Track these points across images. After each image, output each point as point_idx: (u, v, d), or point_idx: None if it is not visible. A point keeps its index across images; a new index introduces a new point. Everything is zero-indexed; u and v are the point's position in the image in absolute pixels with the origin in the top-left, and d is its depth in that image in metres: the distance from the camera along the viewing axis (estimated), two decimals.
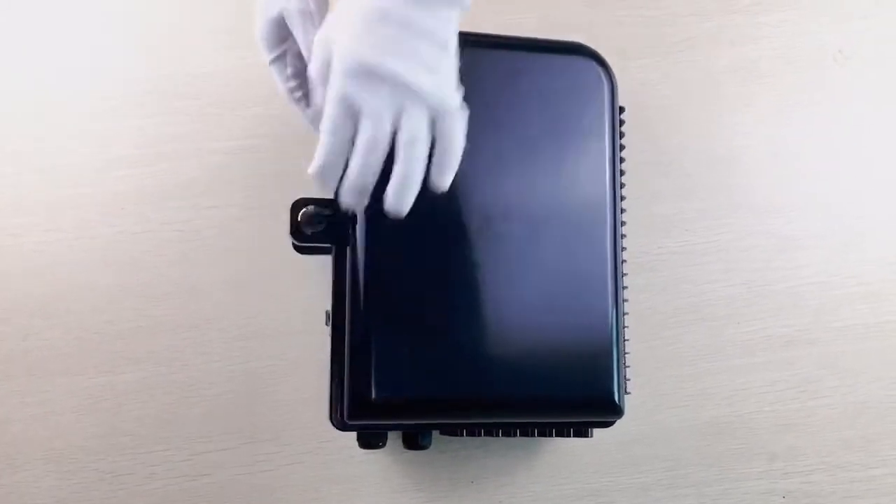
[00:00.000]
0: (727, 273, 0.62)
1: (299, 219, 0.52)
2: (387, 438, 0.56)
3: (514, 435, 0.55)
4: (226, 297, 0.61)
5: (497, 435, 0.55)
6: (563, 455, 0.60)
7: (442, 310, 0.51)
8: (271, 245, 0.61)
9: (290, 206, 0.52)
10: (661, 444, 0.60)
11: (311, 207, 0.52)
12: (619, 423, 0.54)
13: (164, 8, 0.64)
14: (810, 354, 0.62)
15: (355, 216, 0.51)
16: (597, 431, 0.56)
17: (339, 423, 0.52)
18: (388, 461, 0.60)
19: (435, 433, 0.57)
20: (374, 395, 0.50)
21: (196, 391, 0.60)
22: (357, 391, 0.50)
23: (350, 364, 0.50)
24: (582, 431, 0.55)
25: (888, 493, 0.61)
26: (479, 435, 0.55)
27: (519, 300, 0.52)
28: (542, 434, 0.55)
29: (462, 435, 0.55)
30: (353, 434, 0.55)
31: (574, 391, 0.52)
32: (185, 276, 0.61)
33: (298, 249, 0.56)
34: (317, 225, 0.52)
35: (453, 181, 0.44)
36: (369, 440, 0.55)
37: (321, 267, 0.60)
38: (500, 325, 0.51)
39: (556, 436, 0.55)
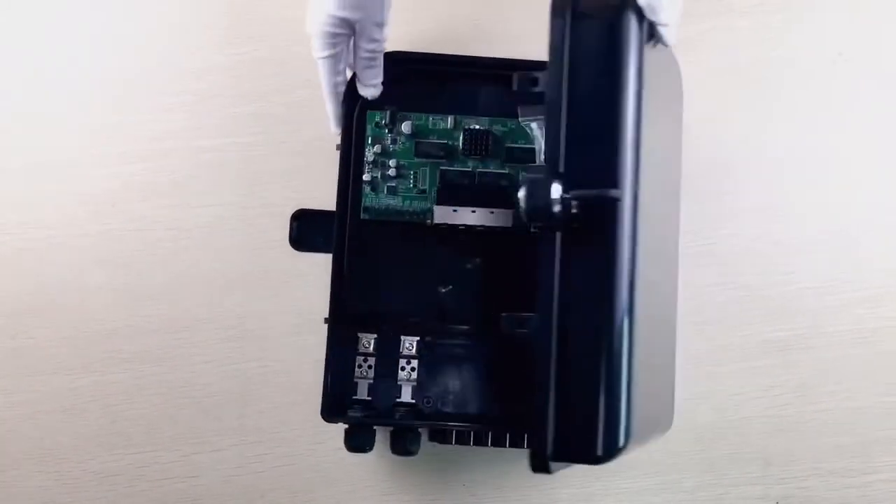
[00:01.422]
0: (724, 277, 0.62)
1: (536, 192, 0.41)
2: (374, 441, 0.55)
3: (504, 444, 0.55)
4: (218, 297, 0.60)
5: (487, 444, 0.55)
6: None
7: (650, 329, 0.44)
8: (264, 245, 0.61)
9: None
10: (655, 448, 0.60)
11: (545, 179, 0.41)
12: None
13: (156, 2, 0.63)
14: (807, 359, 0.61)
15: (607, 198, 0.42)
16: None
17: (539, 464, 0.42)
18: (380, 463, 0.60)
19: (423, 438, 0.57)
20: (623, 442, 0.41)
21: (186, 392, 0.60)
22: (608, 429, 0.40)
23: (611, 392, 0.41)
24: None
25: (883, 500, 0.60)
26: (469, 443, 0.55)
27: (662, 315, 0.49)
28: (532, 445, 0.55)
29: (451, 443, 0.55)
30: (343, 432, 0.55)
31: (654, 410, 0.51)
32: (177, 275, 0.61)
33: (296, 245, 0.55)
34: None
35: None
36: (359, 444, 0.54)
37: (314, 267, 0.59)
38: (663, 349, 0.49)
39: None
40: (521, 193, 0.42)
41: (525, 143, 0.57)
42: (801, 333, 0.62)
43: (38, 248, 0.61)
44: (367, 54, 0.53)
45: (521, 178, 0.56)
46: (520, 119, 0.55)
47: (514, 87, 0.48)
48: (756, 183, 0.63)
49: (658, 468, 0.60)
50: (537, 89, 0.47)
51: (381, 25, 0.52)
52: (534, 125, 0.55)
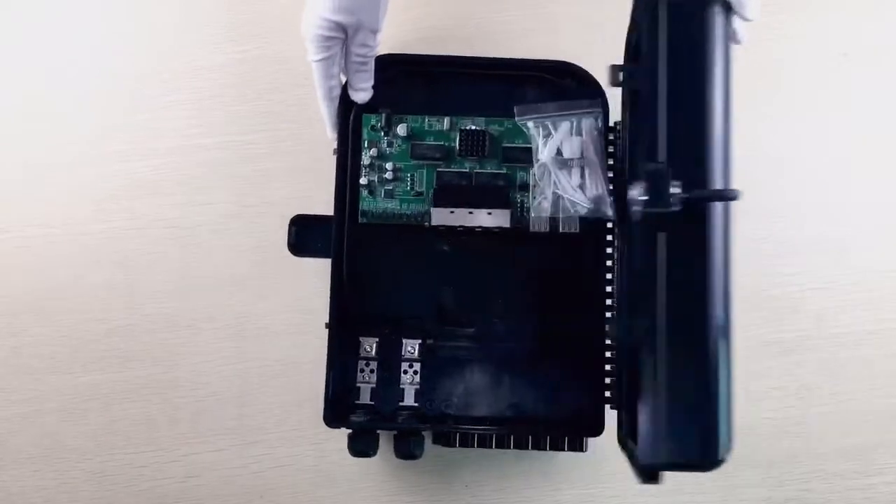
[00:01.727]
0: None
1: (657, 191, 0.40)
2: (378, 446, 0.55)
3: (508, 446, 0.55)
4: (218, 296, 0.60)
5: (490, 446, 0.55)
6: (558, 461, 0.59)
7: None
8: (265, 243, 0.60)
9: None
10: None
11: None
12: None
13: (157, 1, 0.63)
14: (809, 361, 0.61)
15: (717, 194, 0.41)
16: (592, 438, 0.56)
17: (645, 475, 0.43)
18: (381, 464, 0.59)
19: (427, 441, 0.57)
20: (727, 445, 0.42)
21: (186, 391, 0.60)
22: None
23: (715, 398, 0.42)
24: (576, 445, 0.55)
25: (885, 502, 0.60)
26: (473, 445, 0.55)
27: None
28: (536, 447, 0.55)
29: (455, 445, 0.55)
30: (346, 436, 0.54)
31: None
32: (177, 273, 0.60)
33: (295, 250, 0.55)
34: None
35: None
36: (362, 448, 0.54)
37: (315, 267, 0.59)
38: None
39: (551, 449, 0.55)
40: (636, 191, 0.41)
41: (522, 143, 0.57)
42: (803, 335, 0.61)
43: (38, 245, 0.61)
44: (358, 59, 0.53)
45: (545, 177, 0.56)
46: (516, 118, 0.56)
47: (610, 82, 0.48)
48: (758, 183, 0.62)
49: None
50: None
51: (374, 31, 0.52)
52: (530, 124, 0.55)
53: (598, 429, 0.55)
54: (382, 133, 0.57)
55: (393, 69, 0.57)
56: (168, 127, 0.62)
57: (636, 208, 0.40)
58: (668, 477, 0.60)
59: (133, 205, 0.61)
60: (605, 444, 0.58)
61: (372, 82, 0.55)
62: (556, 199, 0.56)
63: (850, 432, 0.60)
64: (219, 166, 0.61)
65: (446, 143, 0.57)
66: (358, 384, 0.56)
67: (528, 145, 0.56)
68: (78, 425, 0.59)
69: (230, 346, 0.60)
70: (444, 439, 0.56)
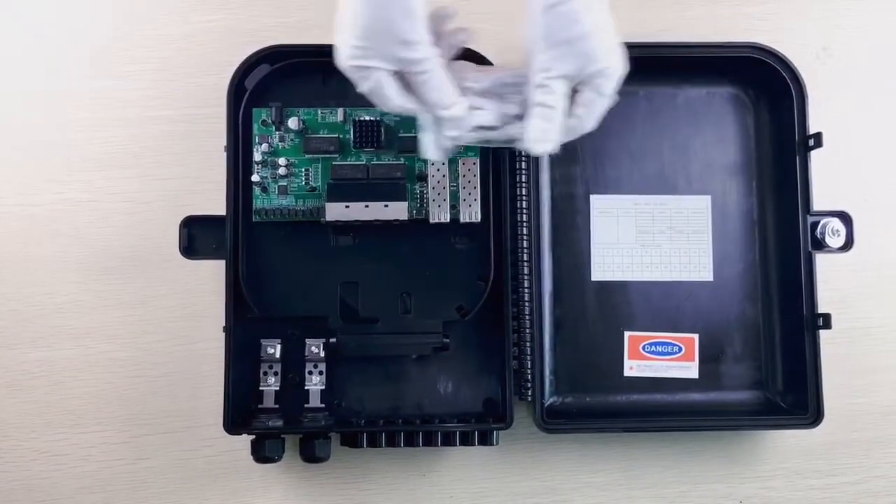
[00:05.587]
0: None
1: None
2: (283, 450, 0.54)
3: (418, 445, 0.54)
4: (173, 274, 0.58)
5: (400, 445, 0.54)
6: (518, 451, 0.59)
7: None
8: None
9: None
10: (618, 443, 0.59)
11: None
12: None
13: None
14: None
15: None
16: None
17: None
18: (334, 449, 0.58)
19: (335, 444, 0.56)
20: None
21: (138, 370, 0.58)
22: None
23: None
24: (487, 439, 0.55)
25: (846, 501, 0.60)
26: (381, 446, 0.54)
27: None
28: (447, 443, 0.54)
29: (363, 446, 0.54)
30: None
31: None
32: (132, 249, 0.59)
33: (188, 254, 0.55)
34: None
35: None
36: (266, 454, 0.53)
37: None
38: None
39: (461, 444, 0.55)
40: None
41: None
42: None
43: None
44: (417, 77, 0.44)
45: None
46: None
47: None
48: None
49: (621, 464, 0.59)
50: None
51: (408, 42, 0.43)
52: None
53: (506, 421, 0.54)
54: (273, 128, 0.55)
55: (282, 60, 0.55)
56: (127, 97, 0.60)
57: None
58: (632, 471, 0.59)
59: (87, 176, 0.59)
60: (569, 437, 0.58)
61: (457, 95, 0.45)
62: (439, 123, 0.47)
63: (812, 431, 0.59)
64: (178, 140, 0.59)
65: (340, 136, 0.56)
66: (261, 388, 0.55)
67: None
68: (24, 402, 0.58)
69: (185, 326, 0.58)
70: (350, 440, 0.55)
